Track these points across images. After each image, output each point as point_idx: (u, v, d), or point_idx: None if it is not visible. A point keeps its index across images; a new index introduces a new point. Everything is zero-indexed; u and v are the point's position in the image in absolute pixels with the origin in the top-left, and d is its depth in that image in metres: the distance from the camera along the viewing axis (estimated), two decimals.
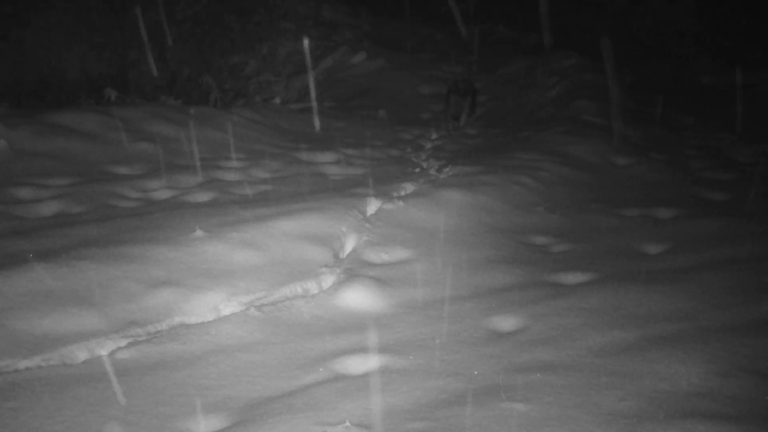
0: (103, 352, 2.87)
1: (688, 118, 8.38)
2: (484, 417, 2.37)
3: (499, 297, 3.44)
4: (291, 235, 3.90)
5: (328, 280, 3.59)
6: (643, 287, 3.37)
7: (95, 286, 3.25)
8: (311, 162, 5.91)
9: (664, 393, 2.48)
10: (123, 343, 2.94)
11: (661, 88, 9.66)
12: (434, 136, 7.42)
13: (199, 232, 3.77)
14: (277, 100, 8.95)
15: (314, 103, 8.84)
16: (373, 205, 4.47)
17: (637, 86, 9.62)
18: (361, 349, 2.93)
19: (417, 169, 5.69)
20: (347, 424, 2.34)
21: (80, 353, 2.86)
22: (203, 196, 4.79)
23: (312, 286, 3.54)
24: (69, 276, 3.27)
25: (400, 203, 4.43)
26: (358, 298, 3.38)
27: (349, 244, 3.99)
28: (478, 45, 11.48)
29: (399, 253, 3.90)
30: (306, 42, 10.20)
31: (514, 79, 10.25)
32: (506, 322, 3.17)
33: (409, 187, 4.91)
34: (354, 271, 3.63)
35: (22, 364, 2.75)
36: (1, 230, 3.96)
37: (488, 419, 2.35)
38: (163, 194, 4.84)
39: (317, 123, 7.32)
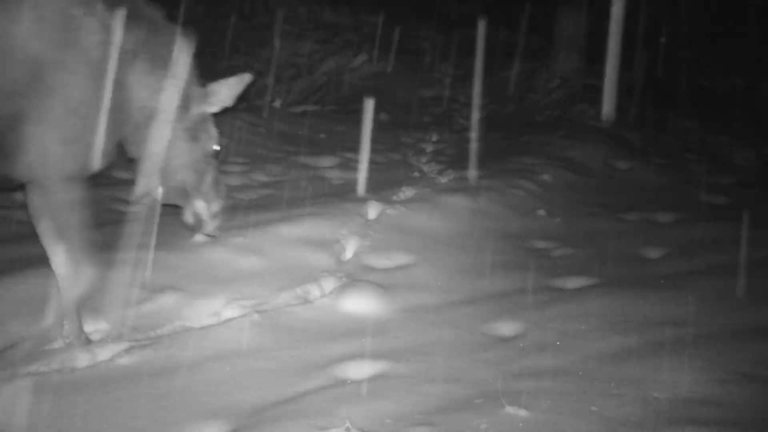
0: (104, 357, 2.88)
1: (689, 121, 8.37)
2: (483, 423, 2.37)
3: (500, 302, 3.44)
4: (292, 239, 3.90)
5: (330, 284, 3.59)
6: (644, 292, 3.37)
7: (95, 291, 3.25)
8: (312, 166, 5.91)
9: (664, 399, 2.48)
10: (123, 348, 2.94)
11: (662, 90, 9.65)
12: (435, 139, 7.42)
13: (200, 237, 3.76)
14: (278, 104, 8.95)
15: (315, 107, 8.86)
16: (374, 210, 4.47)
17: (637, 89, 9.60)
18: (362, 355, 2.93)
19: (418, 173, 5.69)
20: (347, 425, 2.35)
21: (81, 358, 2.87)
22: None
23: (313, 291, 3.54)
24: None
25: (402, 208, 4.43)
26: (359, 303, 3.38)
27: (351, 249, 3.99)
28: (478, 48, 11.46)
29: (400, 258, 3.90)
30: (307, 45, 10.22)
31: (514, 82, 10.24)
32: (507, 328, 3.17)
33: (410, 192, 4.91)
34: (355, 275, 3.63)
35: (22, 368, 2.75)
36: (2, 234, 3.96)
37: (488, 425, 2.36)
38: None
39: (318, 126, 7.32)
